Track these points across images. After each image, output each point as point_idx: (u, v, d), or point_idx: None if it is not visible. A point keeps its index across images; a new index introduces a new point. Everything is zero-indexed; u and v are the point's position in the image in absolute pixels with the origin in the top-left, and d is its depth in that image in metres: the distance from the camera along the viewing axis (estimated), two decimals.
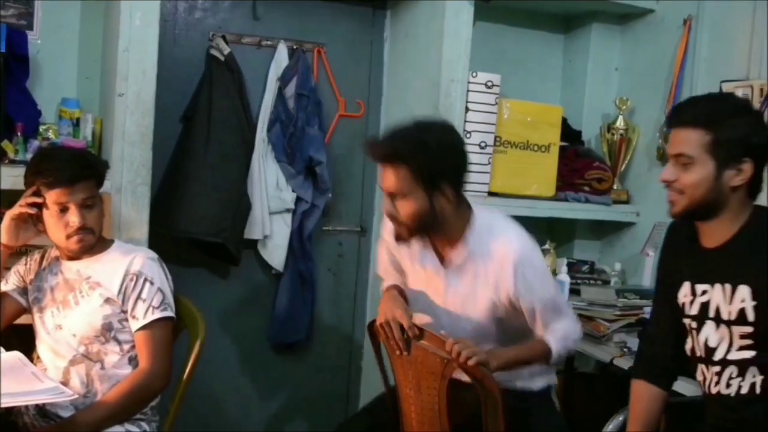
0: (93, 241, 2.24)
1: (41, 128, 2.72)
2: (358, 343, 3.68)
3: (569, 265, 3.43)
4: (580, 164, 3.48)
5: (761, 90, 2.82)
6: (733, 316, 1.86)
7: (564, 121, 3.48)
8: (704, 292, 1.94)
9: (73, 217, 2.16)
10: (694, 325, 1.97)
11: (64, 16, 2.93)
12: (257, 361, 3.49)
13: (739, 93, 2.88)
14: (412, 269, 2.40)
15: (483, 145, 3.20)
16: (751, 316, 1.83)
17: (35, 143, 2.63)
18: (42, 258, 2.35)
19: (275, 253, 3.34)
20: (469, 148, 3.12)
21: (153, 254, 2.33)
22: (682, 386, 2.24)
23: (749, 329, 1.84)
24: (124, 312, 2.23)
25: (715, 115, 1.83)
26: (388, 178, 2.15)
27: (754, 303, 1.82)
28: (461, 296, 2.28)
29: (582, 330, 2.34)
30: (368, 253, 3.65)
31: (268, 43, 3.32)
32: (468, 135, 3.17)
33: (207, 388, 3.29)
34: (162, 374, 2.22)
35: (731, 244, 1.88)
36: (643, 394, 2.10)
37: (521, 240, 2.22)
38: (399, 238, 2.24)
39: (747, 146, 1.82)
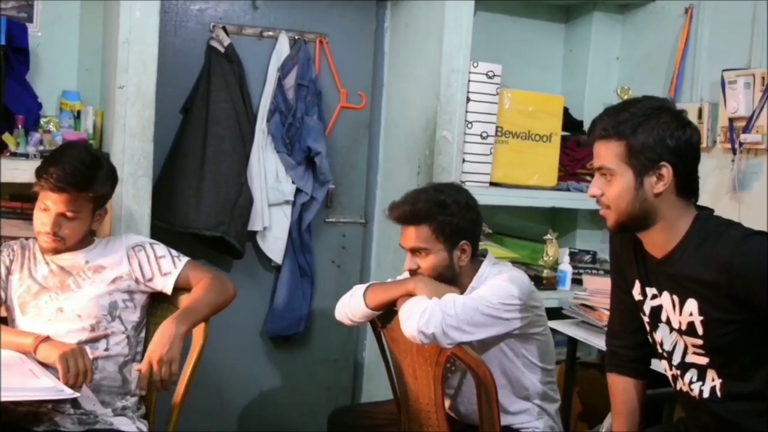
0: (60, 248, 2.30)
1: (42, 121, 2.73)
2: (362, 335, 3.68)
3: (571, 254, 3.44)
4: (582, 154, 3.47)
5: (763, 78, 2.81)
6: (683, 327, 1.81)
7: (565, 110, 3.47)
8: (654, 296, 1.89)
9: (46, 220, 2.24)
10: (648, 322, 1.94)
11: (64, 8, 2.93)
12: (259, 354, 3.49)
13: (741, 82, 2.87)
14: None
15: (484, 135, 3.19)
16: (700, 330, 1.78)
17: (36, 136, 2.64)
18: (23, 249, 2.36)
19: (274, 246, 3.33)
20: (470, 138, 3.16)
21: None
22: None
23: (700, 341, 1.79)
24: (147, 283, 2.35)
25: (626, 123, 1.76)
26: (409, 236, 2.33)
27: (701, 318, 1.77)
28: None
29: (440, 329, 2.09)
30: (371, 245, 3.65)
31: (270, 34, 3.31)
32: (469, 125, 3.16)
33: (207, 381, 3.29)
34: (228, 280, 2.40)
35: (675, 256, 1.80)
36: (618, 387, 2.08)
37: (514, 271, 2.37)
38: None
39: (662, 150, 1.74)
